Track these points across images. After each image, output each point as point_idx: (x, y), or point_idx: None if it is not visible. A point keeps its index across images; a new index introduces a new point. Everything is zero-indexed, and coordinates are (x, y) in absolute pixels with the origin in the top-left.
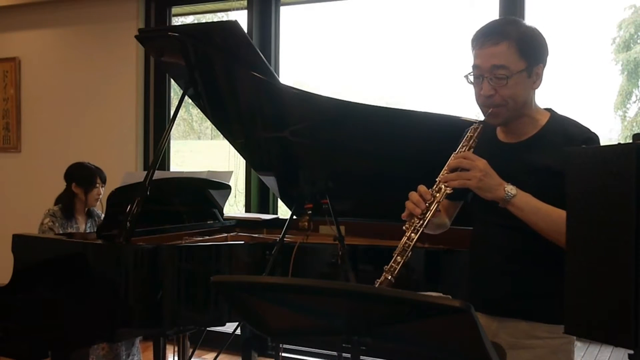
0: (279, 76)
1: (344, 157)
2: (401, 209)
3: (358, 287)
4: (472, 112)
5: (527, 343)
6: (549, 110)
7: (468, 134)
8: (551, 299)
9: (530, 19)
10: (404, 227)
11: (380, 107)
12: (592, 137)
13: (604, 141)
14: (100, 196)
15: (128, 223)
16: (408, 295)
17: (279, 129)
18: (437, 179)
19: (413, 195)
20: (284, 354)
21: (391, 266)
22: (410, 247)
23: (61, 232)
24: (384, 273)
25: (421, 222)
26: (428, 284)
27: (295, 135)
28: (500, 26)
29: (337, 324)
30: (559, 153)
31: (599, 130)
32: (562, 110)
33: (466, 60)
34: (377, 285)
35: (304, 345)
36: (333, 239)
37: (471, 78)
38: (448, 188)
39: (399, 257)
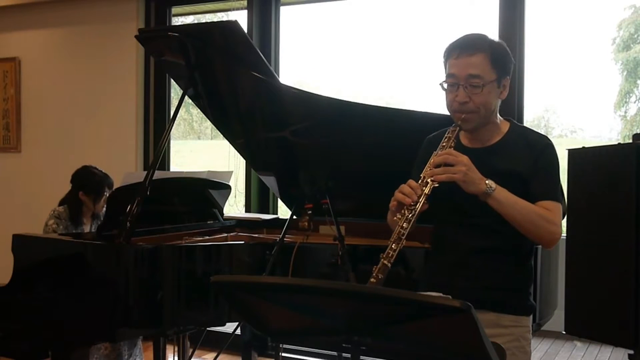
0: (279, 76)
1: (344, 157)
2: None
3: (358, 287)
4: None
5: (493, 332)
6: (508, 119)
7: (447, 135)
8: (514, 293)
9: (531, 19)
10: (394, 218)
11: (380, 107)
12: (550, 144)
13: (604, 141)
14: (105, 202)
15: (128, 223)
16: (408, 295)
17: (279, 129)
18: (421, 175)
19: (404, 187)
20: (284, 354)
21: (387, 252)
22: (405, 235)
23: (65, 233)
24: (382, 259)
25: (412, 212)
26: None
27: (295, 135)
28: (474, 40)
29: (337, 324)
30: (523, 158)
31: (599, 130)
32: (562, 109)
33: None
34: (374, 271)
35: (304, 345)
36: (333, 239)
37: (445, 85)
38: (435, 182)
39: (394, 245)
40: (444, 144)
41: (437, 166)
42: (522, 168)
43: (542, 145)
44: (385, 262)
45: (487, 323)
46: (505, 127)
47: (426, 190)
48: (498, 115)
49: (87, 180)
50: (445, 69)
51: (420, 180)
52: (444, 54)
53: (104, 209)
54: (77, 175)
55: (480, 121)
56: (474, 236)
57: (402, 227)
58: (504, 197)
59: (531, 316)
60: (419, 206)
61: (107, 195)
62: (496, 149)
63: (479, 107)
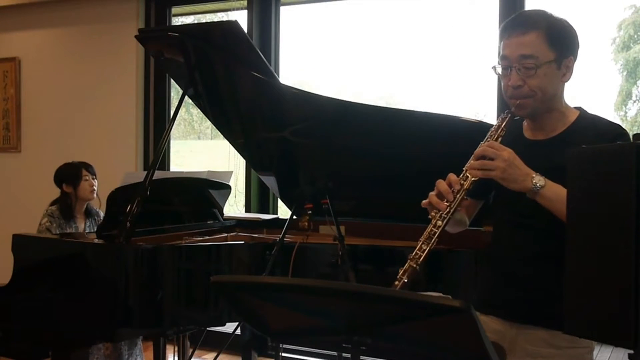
0: (279, 76)
1: (344, 157)
2: (401, 208)
3: (358, 287)
4: (472, 112)
5: (545, 352)
6: (578, 108)
7: (496, 123)
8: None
9: None
10: (429, 216)
11: (380, 107)
12: (624, 133)
13: None
14: (94, 187)
15: (128, 223)
16: (408, 295)
17: (279, 129)
18: (464, 168)
19: (441, 184)
20: (284, 354)
21: (416, 253)
22: (437, 235)
23: (59, 232)
24: (408, 261)
25: (448, 209)
26: (429, 284)
27: (295, 135)
28: (529, 16)
29: (337, 324)
30: None
31: None
32: None
33: (466, 59)
34: (400, 274)
35: (304, 345)
36: (333, 239)
37: (499, 69)
38: (474, 177)
39: (424, 245)
40: (493, 132)
41: (478, 158)
42: None
43: (613, 135)
44: (413, 264)
45: (539, 342)
46: (573, 115)
47: (466, 185)
48: (565, 102)
49: (64, 171)
50: (499, 50)
51: (461, 174)
52: (499, 33)
53: (93, 194)
54: (56, 173)
55: (537, 107)
56: (527, 239)
57: (434, 226)
58: (554, 194)
59: None
60: (455, 202)
61: (92, 180)
62: (560, 140)
63: (535, 90)
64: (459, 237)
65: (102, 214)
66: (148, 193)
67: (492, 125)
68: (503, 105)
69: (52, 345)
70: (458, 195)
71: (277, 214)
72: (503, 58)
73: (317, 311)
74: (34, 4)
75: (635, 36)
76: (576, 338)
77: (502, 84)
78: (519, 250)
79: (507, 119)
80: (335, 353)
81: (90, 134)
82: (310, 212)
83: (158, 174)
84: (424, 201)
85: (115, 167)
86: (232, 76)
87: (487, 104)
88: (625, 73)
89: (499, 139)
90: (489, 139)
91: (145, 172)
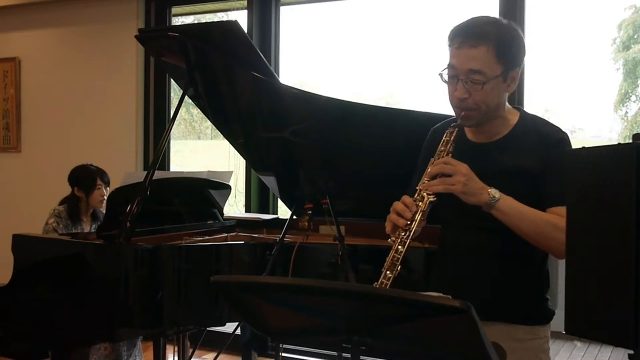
0: (279, 76)
1: (344, 157)
2: None
3: (358, 287)
4: None
5: (507, 346)
6: (517, 109)
7: (444, 138)
8: (530, 301)
9: (530, 19)
10: (389, 240)
11: (380, 107)
12: (565, 138)
13: (604, 141)
14: (104, 198)
15: (128, 223)
16: (408, 295)
17: (279, 129)
18: (417, 188)
19: (398, 205)
20: (284, 354)
21: (382, 282)
22: (400, 261)
23: (65, 233)
24: None
25: (407, 233)
26: (428, 284)
27: (295, 135)
28: (480, 27)
29: (337, 324)
30: (533, 153)
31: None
32: (562, 109)
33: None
34: None
35: (304, 345)
36: (333, 239)
37: (445, 76)
38: (431, 196)
39: (388, 272)
40: (442, 148)
41: (434, 177)
42: (532, 165)
43: (555, 140)
44: None
45: (500, 336)
46: (514, 118)
47: (422, 207)
48: (507, 105)
49: (81, 175)
50: (449, 55)
51: (416, 194)
52: (448, 36)
53: (102, 204)
54: (72, 173)
55: (482, 118)
56: (482, 240)
57: (396, 252)
58: (509, 208)
59: (549, 324)
60: (414, 225)
61: (104, 189)
62: (503, 144)
63: (479, 104)
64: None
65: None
66: (148, 193)
67: None
68: None
69: (52, 345)
70: (416, 217)
71: (277, 214)
72: (451, 66)
73: (317, 311)
74: (34, 4)
75: (635, 36)
76: (535, 329)
77: (448, 90)
78: (473, 249)
79: (454, 133)
80: (335, 353)
81: (90, 133)
82: (310, 212)
83: (158, 174)
84: (387, 222)
85: (115, 167)
86: (232, 76)
87: None
88: (624, 73)
89: (449, 155)
90: (440, 155)
91: (145, 172)
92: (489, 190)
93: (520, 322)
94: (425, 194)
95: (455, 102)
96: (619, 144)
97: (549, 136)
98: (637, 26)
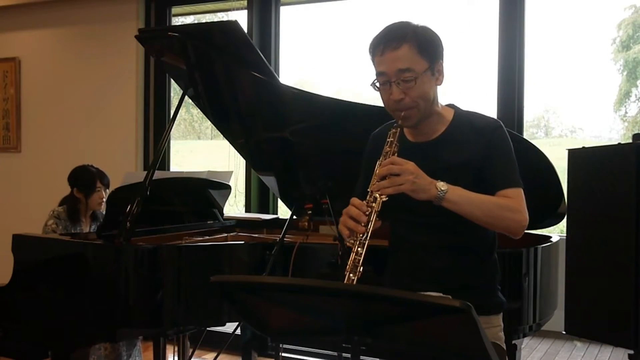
0: (279, 76)
1: (344, 157)
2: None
3: (358, 287)
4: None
5: None
6: (451, 106)
7: (388, 139)
8: (479, 291)
9: (530, 19)
10: (347, 244)
11: (380, 107)
12: (499, 125)
13: (604, 141)
14: (103, 200)
15: (128, 223)
16: (408, 295)
17: (279, 129)
18: (369, 189)
19: (352, 210)
20: (284, 354)
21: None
22: (361, 262)
23: (64, 233)
24: None
25: (365, 234)
26: None
27: (295, 135)
28: (396, 31)
29: (337, 324)
30: (473, 145)
31: (599, 130)
32: (562, 109)
33: (466, 59)
34: None
35: (304, 345)
36: (333, 239)
37: (378, 85)
38: (383, 196)
39: (351, 275)
40: (387, 149)
41: (383, 178)
42: (473, 157)
43: (490, 129)
44: None
45: None
46: (449, 115)
47: (376, 207)
48: (439, 103)
49: (80, 176)
50: (374, 66)
51: (368, 196)
52: (369, 49)
53: (103, 209)
54: (72, 174)
55: (421, 115)
56: (430, 235)
57: (357, 254)
58: (458, 197)
59: (501, 314)
60: (370, 226)
61: (103, 192)
62: (442, 141)
63: (417, 100)
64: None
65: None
66: (148, 193)
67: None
68: (503, 105)
69: (52, 345)
70: (371, 218)
71: (277, 214)
72: (380, 74)
73: (317, 311)
74: (34, 4)
75: (635, 36)
76: (489, 319)
77: (383, 98)
78: (422, 244)
79: (397, 132)
80: (335, 353)
81: (90, 133)
82: (310, 212)
83: (158, 174)
84: (340, 227)
85: (115, 167)
86: (232, 76)
87: (487, 103)
88: (625, 73)
89: (395, 154)
90: (386, 156)
91: (145, 172)
92: (437, 184)
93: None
94: (377, 194)
95: (392, 105)
96: (619, 144)
97: (485, 127)
98: (637, 26)
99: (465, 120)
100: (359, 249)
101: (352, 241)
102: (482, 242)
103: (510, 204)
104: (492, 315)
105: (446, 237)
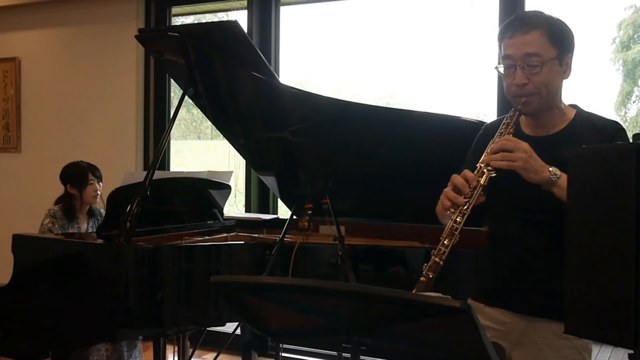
0: (279, 76)
1: (344, 157)
2: (401, 208)
3: (358, 287)
4: (473, 112)
5: (555, 343)
6: (573, 106)
7: (505, 121)
8: None
9: None
10: (448, 212)
11: (380, 107)
12: (621, 129)
13: None
14: (98, 192)
15: (128, 223)
16: (408, 296)
17: (279, 129)
18: (477, 165)
19: (457, 179)
20: (284, 354)
21: (439, 249)
22: (458, 230)
23: (61, 232)
24: (432, 257)
25: (467, 205)
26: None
27: (295, 135)
28: (529, 16)
29: (337, 324)
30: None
31: None
32: None
33: (467, 59)
34: (425, 269)
35: (304, 345)
36: (333, 239)
37: (501, 69)
38: (492, 172)
39: (446, 241)
40: (502, 130)
41: (495, 153)
42: None
43: (612, 130)
44: (437, 259)
45: (548, 334)
46: (571, 113)
47: (482, 181)
48: (562, 100)
49: (72, 172)
50: (500, 51)
51: (476, 171)
52: (498, 35)
53: (97, 199)
54: (63, 171)
55: (542, 104)
56: (534, 234)
57: (455, 222)
58: None
59: None
60: (473, 199)
61: (97, 184)
62: (562, 137)
63: (540, 87)
64: (461, 237)
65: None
66: (148, 193)
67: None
68: (503, 105)
69: (52, 345)
70: (475, 191)
71: (277, 214)
72: (506, 57)
73: (317, 311)
74: (34, 4)
75: (635, 36)
76: None
77: (505, 83)
78: (526, 244)
79: (515, 116)
80: (335, 353)
81: (90, 133)
82: (310, 212)
83: (158, 174)
84: (442, 196)
85: (115, 167)
86: (232, 76)
87: (488, 103)
88: (624, 73)
89: (511, 135)
90: (500, 136)
91: (145, 172)
92: (550, 168)
93: None
94: (485, 169)
95: (514, 90)
96: (619, 144)
97: (605, 127)
98: (637, 26)
99: (586, 120)
100: (458, 217)
101: (453, 210)
102: None
103: None
104: None
105: (552, 236)
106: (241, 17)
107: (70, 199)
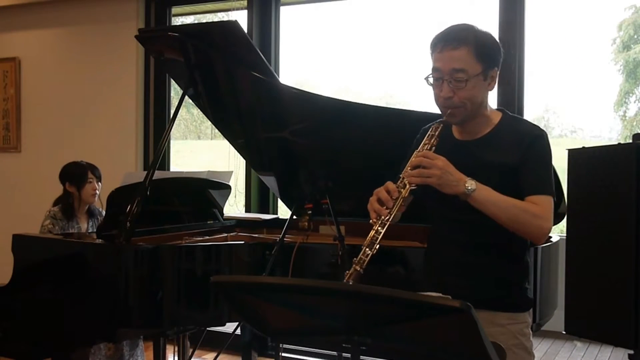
0: (279, 76)
1: (344, 157)
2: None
3: (358, 287)
4: None
5: (491, 330)
6: (500, 110)
7: (429, 132)
8: (509, 289)
9: (531, 19)
10: (370, 222)
11: (380, 107)
12: (542, 135)
13: (603, 141)
14: (97, 191)
15: (128, 223)
16: (408, 296)
17: (279, 129)
18: (400, 175)
19: (381, 193)
20: (284, 354)
21: (360, 258)
22: (378, 240)
23: (61, 233)
24: (354, 265)
25: (388, 217)
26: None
27: (295, 135)
28: (459, 32)
29: (337, 324)
30: (512, 150)
31: (599, 130)
32: (562, 109)
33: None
34: (346, 277)
35: (304, 345)
36: (333, 239)
37: (431, 80)
38: (412, 184)
39: (367, 250)
40: (427, 141)
41: (415, 168)
42: (512, 160)
43: (532, 136)
44: (357, 267)
45: (483, 322)
46: (496, 118)
47: (404, 193)
48: (489, 106)
49: (71, 170)
50: (432, 62)
51: (399, 181)
52: (430, 46)
53: (95, 198)
54: (62, 170)
55: (467, 115)
56: (464, 231)
57: (376, 232)
58: (484, 197)
59: (530, 311)
60: (394, 209)
61: (96, 183)
62: (486, 141)
63: (465, 101)
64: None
65: (104, 214)
66: (148, 193)
67: None
68: (503, 105)
69: (52, 345)
70: (397, 203)
71: (277, 214)
72: (435, 70)
73: (317, 311)
74: (34, 4)
75: (636, 37)
76: (515, 315)
77: (434, 93)
78: (456, 241)
79: (439, 128)
80: (335, 353)
81: (90, 133)
82: (310, 212)
83: (158, 174)
84: (369, 206)
85: (115, 167)
86: (232, 76)
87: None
88: (625, 73)
89: (433, 148)
90: (423, 148)
91: (145, 172)
92: (466, 181)
93: (501, 310)
94: (407, 181)
95: (441, 102)
96: (619, 144)
97: (527, 134)
98: (637, 26)
99: (510, 125)
100: (379, 228)
101: (375, 220)
102: (514, 241)
103: (535, 210)
104: (519, 312)
105: (478, 234)
106: (241, 17)
107: (69, 198)
